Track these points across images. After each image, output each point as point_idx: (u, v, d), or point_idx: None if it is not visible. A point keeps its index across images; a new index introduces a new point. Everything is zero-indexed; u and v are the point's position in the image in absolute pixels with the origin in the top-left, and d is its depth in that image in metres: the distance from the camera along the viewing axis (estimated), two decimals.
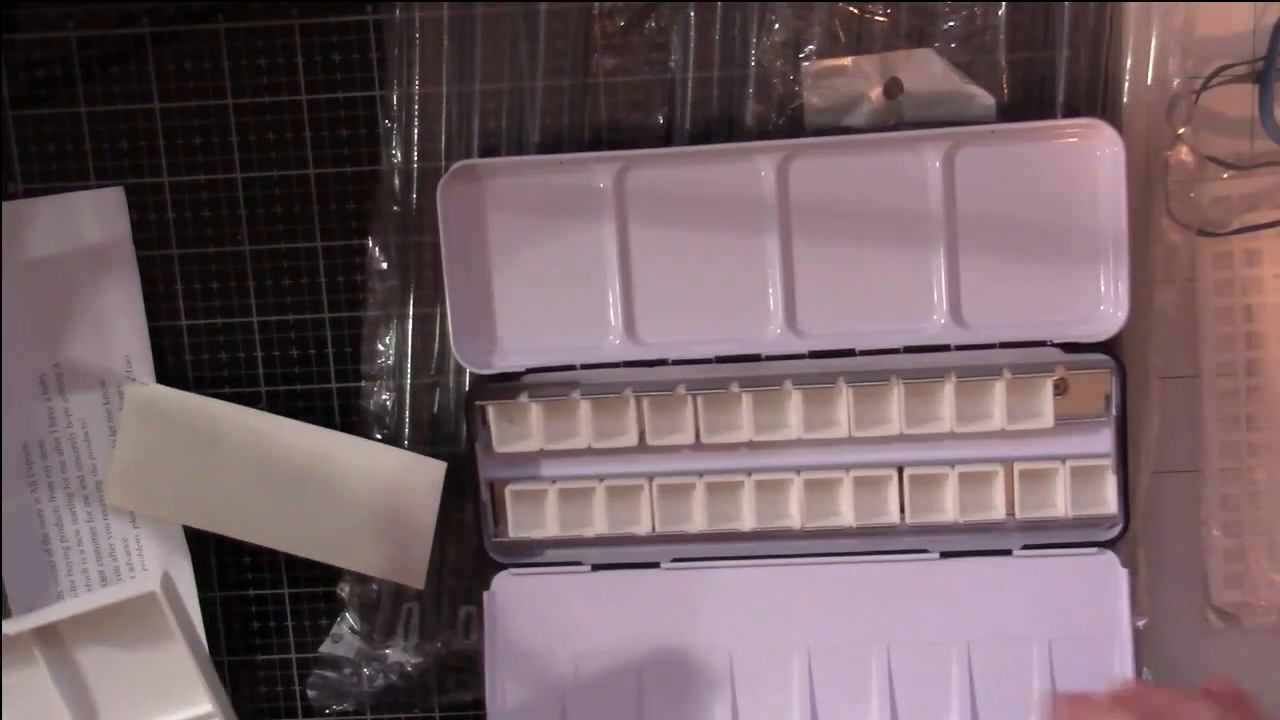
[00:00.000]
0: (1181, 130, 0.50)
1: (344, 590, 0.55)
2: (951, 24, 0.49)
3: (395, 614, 0.55)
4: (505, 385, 0.52)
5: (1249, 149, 0.50)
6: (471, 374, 0.52)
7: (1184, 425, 0.52)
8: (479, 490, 0.52)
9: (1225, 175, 0.50)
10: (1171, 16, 0.49)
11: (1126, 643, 0.50)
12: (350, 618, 0.55)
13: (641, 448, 0.52)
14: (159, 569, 0.54)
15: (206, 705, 0.49)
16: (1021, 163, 0.49)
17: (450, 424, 0.53)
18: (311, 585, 0.55)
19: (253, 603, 0.55)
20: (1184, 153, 0.50)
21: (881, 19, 0.50)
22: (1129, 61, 0.50)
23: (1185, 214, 0.50)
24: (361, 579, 0.54)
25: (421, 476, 0.53)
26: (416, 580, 0.53)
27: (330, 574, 0.55)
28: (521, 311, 0.52)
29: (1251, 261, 0.51)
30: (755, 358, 0.51)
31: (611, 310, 0.51)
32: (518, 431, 0.52)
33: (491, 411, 0.52)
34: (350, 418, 0.54)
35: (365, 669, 0.55)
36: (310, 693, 0.55)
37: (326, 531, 0.53)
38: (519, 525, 0.53)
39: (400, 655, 0.55)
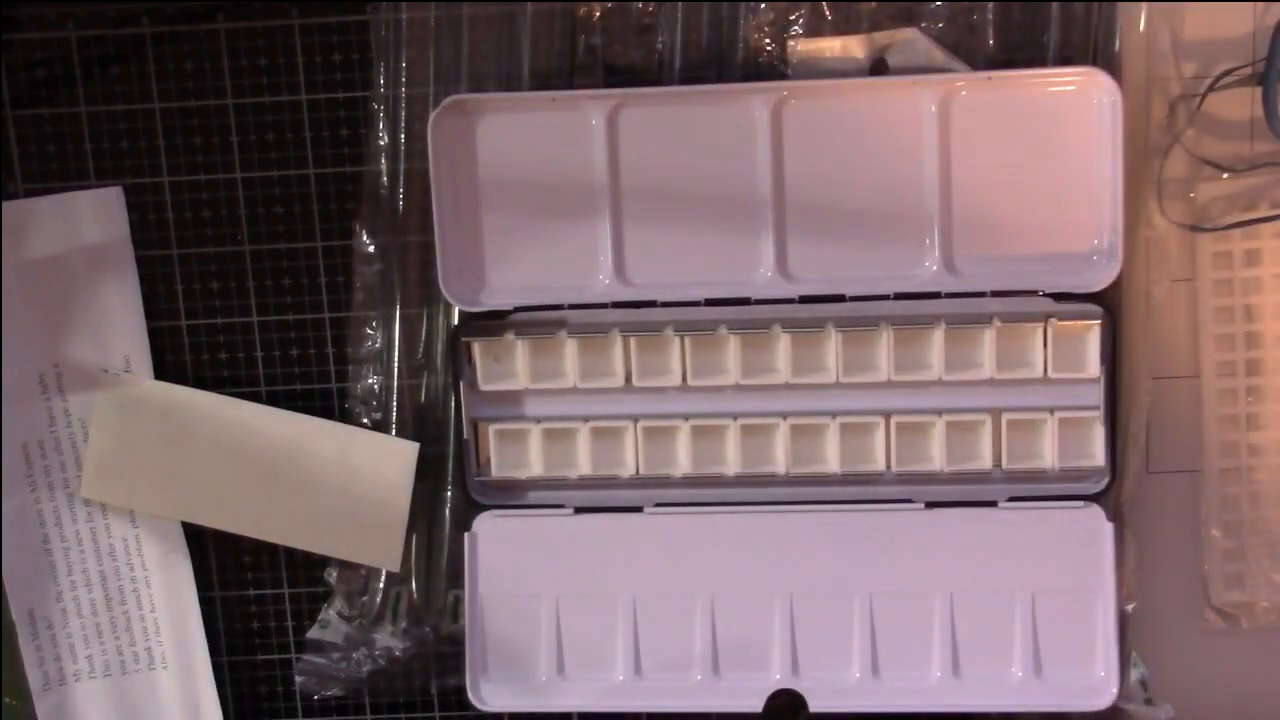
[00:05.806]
0: (1179, 132, 0.49)
1: (331, 576, 0.55)
2: (938, 4, 0.49)
3: (384, 599, 0.54)
4: (492, 324, 0.51)
5: (1249, 150, 0.50)
6: (459, 312, 0.52)
7: (1184, 425, 0.52)
8: (462, 428, 0.52)
9: (1224, 176, 0.50)
10: (1168, 16, 0.49)
11: (1110, 596, 0.50)
12: (338, 603, 0.55)
13: (628, 388, 0.51)
14: (159, 569, 0.55)
15: None
16: (1018, 110, 0.49)
17: (437, 414, 0.53)
18: (311, 585, 0.55)
19: (252, 602, 0.55)
20: (1182, 153, 0.50)
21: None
22: (1119, 48, 0.49)
23: (1182, 214, 0.50)
24: (349, 564, 0.54)
25: (394, 458, 0.52)
26: (392, 563, 0.53)
27: None
28: (510, 250, 0.51)
29: (1250, 261, 0.50)
30: (745, 301, 0.50)
31: (601, 250, 0.51)
32: (503, 370, 0.52)
33: (477, 348, 0.51)
34: (347, 417, 0.54)
35: (354, 654, 0.55)
36: (298, 678, 0.55)
37: (301, 516, 0.53)
38: (502, 465, 0.52)
39: (389, 640, 0.54)
